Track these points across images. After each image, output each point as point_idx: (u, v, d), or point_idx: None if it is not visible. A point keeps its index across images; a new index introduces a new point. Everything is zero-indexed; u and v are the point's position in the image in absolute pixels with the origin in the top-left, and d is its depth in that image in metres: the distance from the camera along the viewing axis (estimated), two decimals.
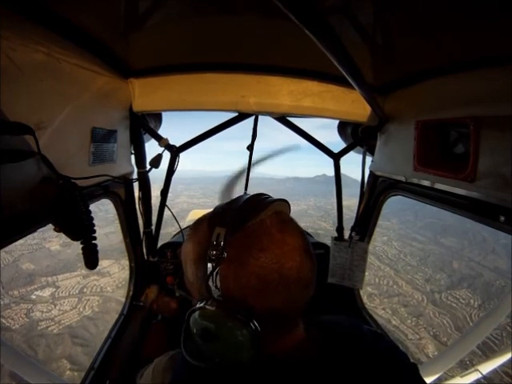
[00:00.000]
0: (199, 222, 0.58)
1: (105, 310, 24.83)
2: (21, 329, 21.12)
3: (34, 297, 26.02)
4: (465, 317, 26.08)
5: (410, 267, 36.63)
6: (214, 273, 0.50)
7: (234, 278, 0.50)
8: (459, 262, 37.77)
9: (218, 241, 0.50)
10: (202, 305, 0.52)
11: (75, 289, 27.89)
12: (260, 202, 0.56)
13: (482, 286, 31.50)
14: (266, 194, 0.60)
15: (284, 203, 0.60)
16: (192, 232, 0.59)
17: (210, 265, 0.51)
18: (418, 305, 28.14)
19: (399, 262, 37.87)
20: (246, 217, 0.52)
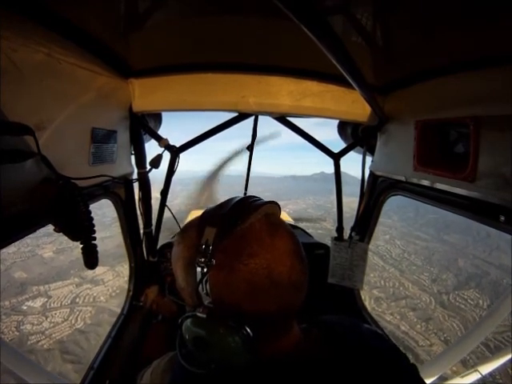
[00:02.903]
0: (188, 227, 0.58)
1: (97, 323, 23.55)
2: (11, 343, 19.46)
3: (25, 308, 24.80)
4: (475, 319, 25.44)
5: (415, 267, 36.03)
6: (204, 279, 0.50)
7: (225, 284, 0.49)
8: (464, 259, 37.21)
9: (207, 246, 0.50)
10: (193, 312, 0.51)
11: (67, 298, 26.71)
12: (249, 205, 0.55)
13: (489, 286, 31.02)
14: (255, 197, 0.59)
15: (274, 205, 0.60)
16: (181, 237, 0.58)
17: (199, 270, 0.50)
18: (426, 308, 27.49)
19: (403, 261, 37.27)
20: (235, 221, 0.52)
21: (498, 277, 32.55)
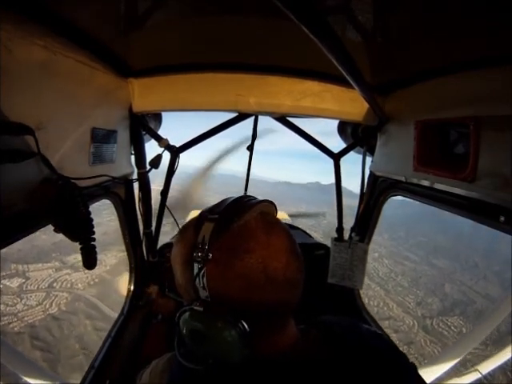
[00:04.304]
0: (186, 226, 0.59)
1: (72, 311, 22.72)
2: None
3: (1, 286, 24.08)
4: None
5: (401, 288, 35.61)
6: (201, 274, 0.51)
7: (221, 279, 0.50)
8: (451, 285, 36.95)
9: (204, 242, 0.51)
10: (190, 306, 0.52)
11: (45, 282, 25.77)
12: (245, 203, 0.56)
13: (474, 314, 30.46)
14: (251, 196, 0.61)
15: (270, 204, 0.61)
16: (180, 236, 0.60)
17: (196, 265, 0.51)
18: (408, 331, 27.15)
19: (390, 281, 36.82)
20: (231, 218, 0.53)
21: (484, 306, 31.95)
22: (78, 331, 21.18)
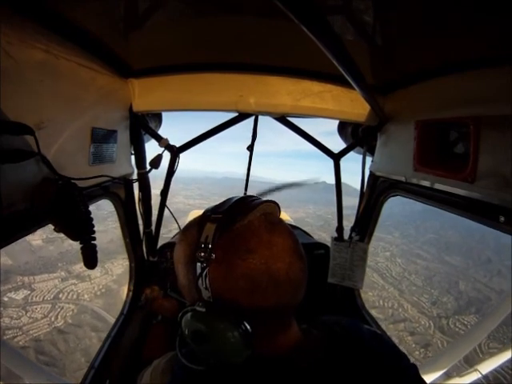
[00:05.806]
0: (189, 225, 0.59)
1: (78, 323, 22.43)
2: None
3: (6, 299, 23.94)
4: (474, 348, 24.64)
5: (415, 287, 35.11)
6: (204, 274, 0.50)
7: (223, 279, 0.50)
8: (465, 282, 36.33)
9: (207, 242, 0.51)
10: (192, 307, 0.52)
11: (51, 293, 25.48)
12: (248, 203, 0.56)
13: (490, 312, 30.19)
14: (254, 196, 0.60)
15: (273, 204, 0.61)
16: (182, 235, 0.59)
17: (199, 265, 0.51)
18: (425, 332, 26.67)
19: (403, 281, 36.29)
20: (234, 218, 0.53)
21: (500, 303, 32.34)
22: (83, 344, 20.97)
